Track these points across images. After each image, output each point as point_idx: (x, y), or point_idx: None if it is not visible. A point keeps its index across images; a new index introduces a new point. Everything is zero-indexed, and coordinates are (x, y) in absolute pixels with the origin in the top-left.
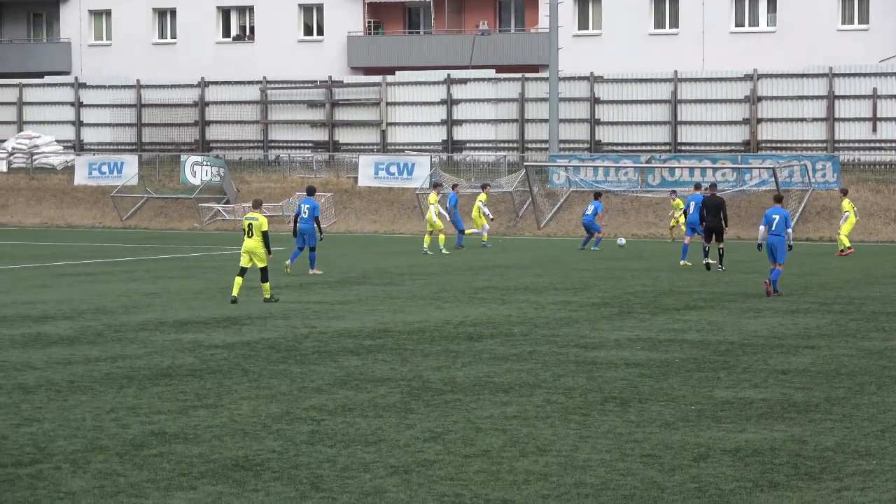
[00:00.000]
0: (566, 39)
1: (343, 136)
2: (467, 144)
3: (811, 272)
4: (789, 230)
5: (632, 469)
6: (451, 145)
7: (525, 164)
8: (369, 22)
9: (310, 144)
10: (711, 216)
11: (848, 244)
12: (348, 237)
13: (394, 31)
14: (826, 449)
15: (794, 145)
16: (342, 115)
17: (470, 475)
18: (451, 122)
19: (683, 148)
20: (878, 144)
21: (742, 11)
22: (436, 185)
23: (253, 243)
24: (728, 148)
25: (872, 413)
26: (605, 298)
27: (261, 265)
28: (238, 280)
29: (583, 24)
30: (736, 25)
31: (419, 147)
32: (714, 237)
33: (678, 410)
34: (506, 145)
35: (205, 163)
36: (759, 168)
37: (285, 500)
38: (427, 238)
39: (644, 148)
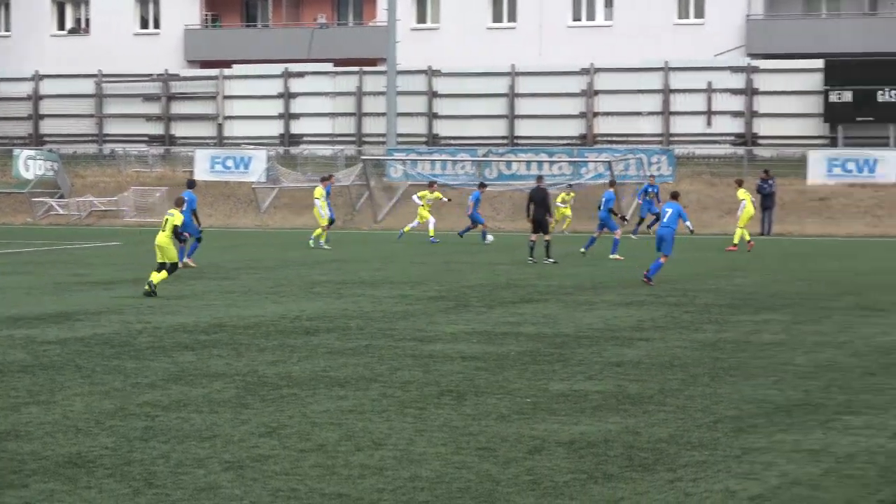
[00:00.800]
0: (404, 33)
1: (179, 129)
2: (304, 138)
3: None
4: (687, 223)
5: (467, 462)
6: (289, 139)
7: (362, 157)
8: (206, 15)
9: (145, 138)
10: (538, 208)
11: (748, 237)
12: None
13: (231, 25)
14: (659, 440)
15: (629, 139)
16: (178, 108)
17: (305, 470)
18: (288, 116)
19: (520, 141)
20: (712, 138)
21: (579, 6)
22: (323, 179)
23: (163, 238)
24: (565, 141)
25: (705, 404)
26: (441, 292)
27: (169, 261)
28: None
29: (421, 17)
30: (573, 20)
31: (256, 141)
32: (540, 230)
33: (513, 403)
34: (343, 139)
35: (38, 157)
36: (595, 161)
37: (118, 496)
38: (318, 231)
39: (481, 142)
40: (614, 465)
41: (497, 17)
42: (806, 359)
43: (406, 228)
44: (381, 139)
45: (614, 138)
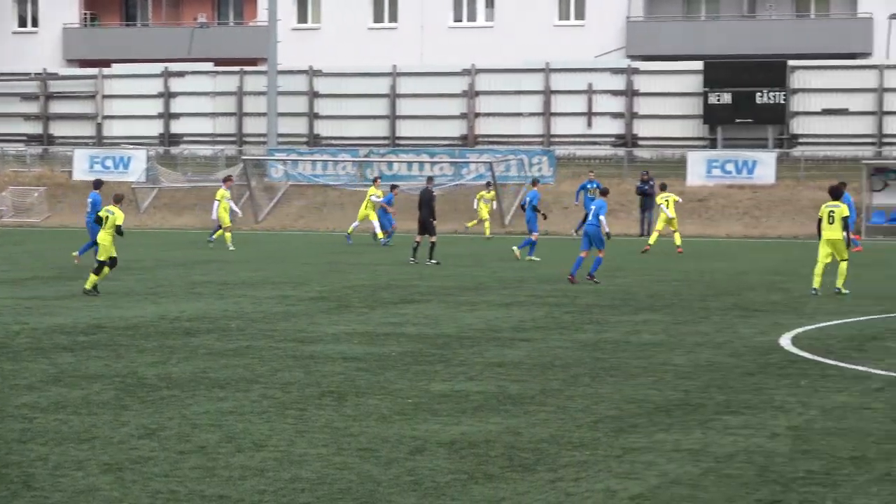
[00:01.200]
0: (285, 33)
1: (58, 129)
2: (184, 138)
3: (527, 265)
4: (602, 218)
5: (348, 463)
6: (168, 139)
7: (243, 157)
8: (85, 14)
9: (23, 138)
10: (422, 209)
11: (652, 242)
12: (62, 232)
13: (111, 24)
14: (541, 440)
15: (510, 140)
16: (57, 108)
17: (185, 471)
18: (168, 116)
19: (402, 142)
20: (592, 139)
21: (460, 7)
22: (225, 180)
23: (103, 235)
24: (446, 142)
25: (586, 404)
26: (322, 293)
27: (100, 258)
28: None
29: (302, 17)
30: (454, 20)
31: (136, 140)
32: (425, 231)
33: (395, 404)
34: (224, 139)
35: None
36: (477, 162)
37: None
38: (225, 233)
39: (362, 142)
40: (495, 466)
41: (378, 18)
42: (685, 359)
43: (379, 234)
44: (261, 139)
45: (495, 139)
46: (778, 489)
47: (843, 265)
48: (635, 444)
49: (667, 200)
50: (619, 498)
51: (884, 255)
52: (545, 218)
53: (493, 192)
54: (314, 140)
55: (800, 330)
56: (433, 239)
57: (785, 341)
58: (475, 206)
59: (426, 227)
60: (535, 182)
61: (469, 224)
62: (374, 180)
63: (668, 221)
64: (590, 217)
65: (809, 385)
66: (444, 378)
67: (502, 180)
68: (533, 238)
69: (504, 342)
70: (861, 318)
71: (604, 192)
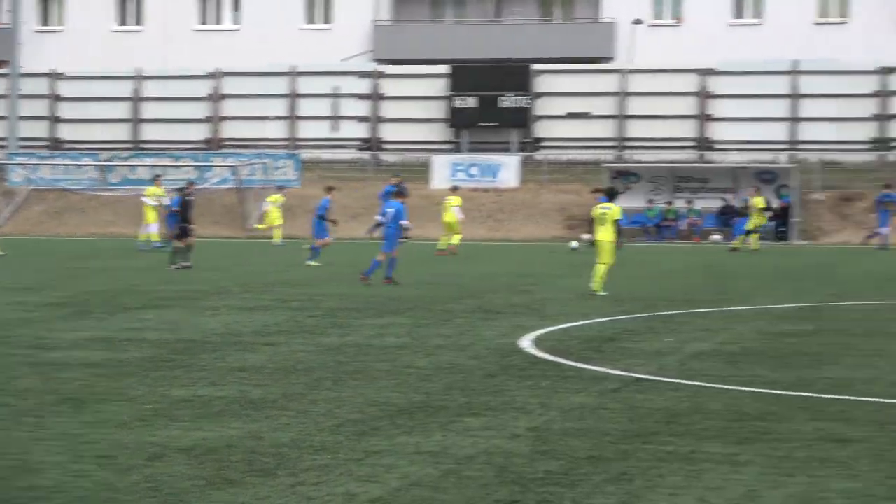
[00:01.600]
0: (27, 35)
1: None
2: None
3: (274, 269)
4: (404, 222)
5: (85, 470)
6: None
7: None
8: None
9: None
10: (185, 214)
11: (456, 241)
12: None
13: None
14: (282, 445)
15: (256, 143)
16: None
17: None
18: None
19: (145, 146)
20: (338, 143)
21: (206, 9)
22: None
23: None
24: (190, 146)
25: (328, 408)
26: (61, 298)
27: None
28: None
29: (45, 19)
30: (200, 23)
31: None
32: (184, 235)
33: (134, 410)
34: None
35: None
36: (221, 166)
37: None
38: None
39: (105, 146)
40: (235, 471)
41: (122, 20)
42: (428, 361)
43: (154, 236)
44: (1, 143)
45: (241, 142)
46: (517, 489)
47: (602, 268)
48: (377, 447)
49: (449, 200)
50: (359, 501)
51: (625, 257)
52: (335, 224)
53: (283, 197)
54: (56, 144)
55: (541, 332)
56: (180, 244)
57: (526, 343)
58: (265, 209)
59: (182, 231)
60: (329, 189)
61: (259, 226)
62: (155, 178)
63: (448, 223)
64: (389, 220)
65: (549, 386)
66: (185, 383)
67: (247, 184)
68: (318, 244)
69: (246, 346)
70: (601, 320)
71: (398, 194)
